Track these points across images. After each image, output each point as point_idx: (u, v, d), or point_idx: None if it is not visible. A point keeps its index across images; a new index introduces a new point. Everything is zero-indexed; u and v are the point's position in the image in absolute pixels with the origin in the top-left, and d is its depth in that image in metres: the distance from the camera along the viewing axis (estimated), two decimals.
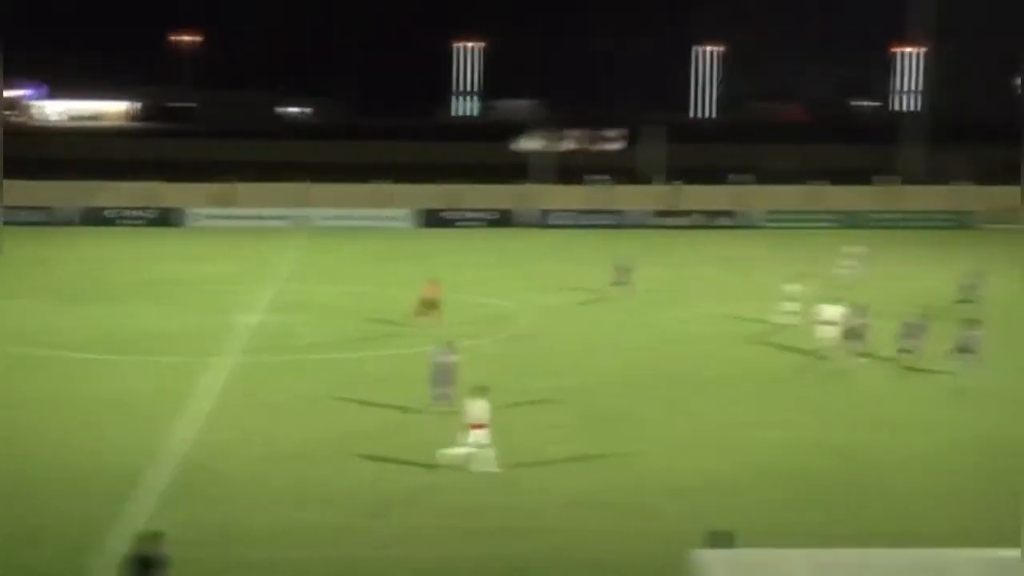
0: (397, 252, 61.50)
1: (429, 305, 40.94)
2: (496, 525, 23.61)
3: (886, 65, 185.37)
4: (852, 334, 36.54)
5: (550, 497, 25.21)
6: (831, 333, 37.24)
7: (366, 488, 25.57)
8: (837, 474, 27.07)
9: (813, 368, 36.66)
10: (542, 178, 76.49)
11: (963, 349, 34.10)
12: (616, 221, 71.71)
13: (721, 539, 18.08)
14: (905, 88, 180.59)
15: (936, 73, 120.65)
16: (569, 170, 77.50)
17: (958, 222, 71.81)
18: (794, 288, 42.56)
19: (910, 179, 78.16)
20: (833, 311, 37.71)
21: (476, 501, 24.88)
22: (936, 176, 77.61)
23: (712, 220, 71.82)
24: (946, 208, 73.15)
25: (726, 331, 42.08)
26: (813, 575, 16.58)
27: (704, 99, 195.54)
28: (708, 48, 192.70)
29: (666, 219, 71.76)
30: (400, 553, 22.30)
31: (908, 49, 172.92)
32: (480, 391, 26.49)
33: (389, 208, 72.41)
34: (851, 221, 71.03)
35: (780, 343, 39.81)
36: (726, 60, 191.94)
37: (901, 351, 36.15)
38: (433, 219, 71.99)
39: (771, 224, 71.31)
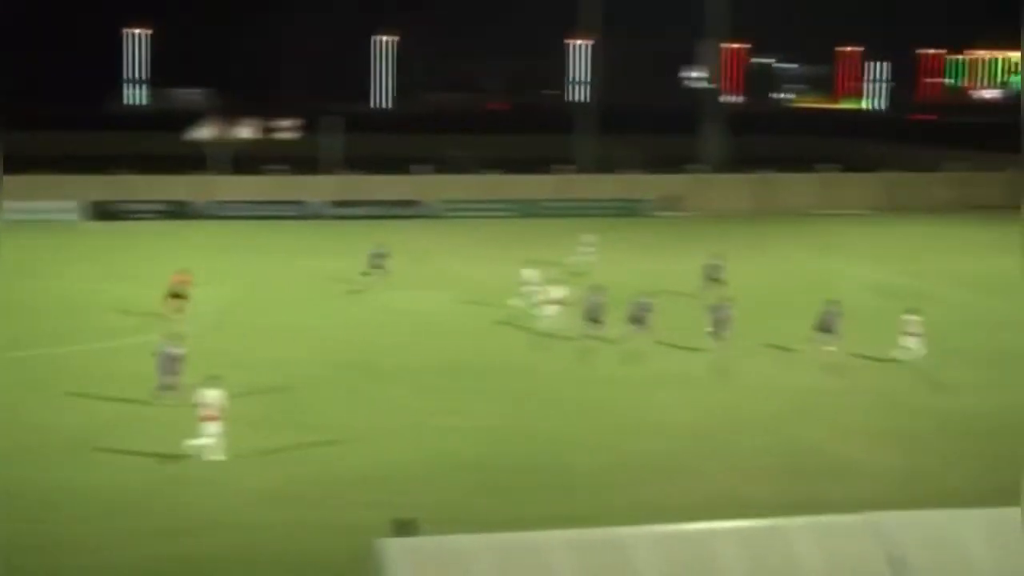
0: (70, 246, 59.00)
1: (177, 296, 39.94)
2: (181, 525, 23.02)
3: (562, 56, 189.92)
4: (587, 316, 36.93)
5: (239, 492, 24.82)
6: (558, 316, 37.73)
7: (61, 491, 24.67)
8: (528, 459, 27.42)
9: (536, 353, 36.96)
10: (218, 168, 74.70)
11: (711, 330, 35.40)
12: (296, 212, 70.73)
13: (405, 527, 17.95)
14: (578, 79, 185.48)
15: (606, 65, 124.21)
16: (246, 160, 75.99)
17: (631, 210, 73.94)
18: (530, 274, 42.71)
19: (584, 168, 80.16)
20: (559, 293, 38.26)
21: (163, 500, 24.31)
22: (608, 165, 79.79)
23: (391, 210, 71.74)
24: (619, 196, 75.24)
25: (432, 320, 42.19)
26: (495, 559, 16.61)
27: (383, 89, 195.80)
28: (385, 38, 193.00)
29: (345, 209, 71.25)
30: (82, 562, 21.27)
31: (579, 41, 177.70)
32: (211, 381, 26.45)
33: (56, 200, 69.12)
34: (529, 210, 72.16)
35: (507, 327, 40.18)
36: (404, 50, 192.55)
37: (629, 333, 36.58)
38: (104, 211, 69.22)
39: (451, 214, 71.73)
